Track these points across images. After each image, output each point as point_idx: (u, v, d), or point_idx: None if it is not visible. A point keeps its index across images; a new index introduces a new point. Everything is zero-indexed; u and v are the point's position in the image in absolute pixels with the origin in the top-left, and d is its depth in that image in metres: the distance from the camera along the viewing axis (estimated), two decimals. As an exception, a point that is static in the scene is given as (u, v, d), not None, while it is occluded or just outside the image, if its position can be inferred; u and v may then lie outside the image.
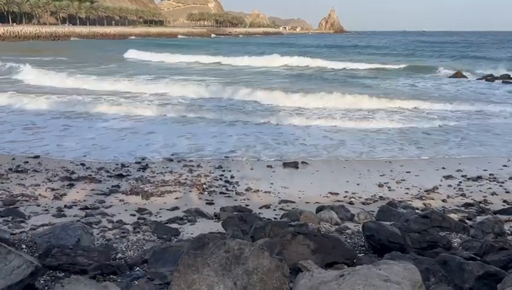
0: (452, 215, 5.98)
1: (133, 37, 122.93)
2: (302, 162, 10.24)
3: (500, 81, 27.80)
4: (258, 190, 8.37)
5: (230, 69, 36.85)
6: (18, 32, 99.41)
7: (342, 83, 26.38)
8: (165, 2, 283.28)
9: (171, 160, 10.38)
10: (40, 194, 7.63)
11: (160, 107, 17.21)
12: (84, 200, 7.35)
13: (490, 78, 28.84)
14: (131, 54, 48.86)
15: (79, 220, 5.56)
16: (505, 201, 7.72)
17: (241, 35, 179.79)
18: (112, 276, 3.46)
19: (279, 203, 7.54)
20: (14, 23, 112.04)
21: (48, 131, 13.18)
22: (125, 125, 14.25)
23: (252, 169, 9.86)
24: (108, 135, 12.92)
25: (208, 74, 31.48)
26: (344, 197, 8.04)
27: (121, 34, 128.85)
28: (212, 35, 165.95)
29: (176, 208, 6.93)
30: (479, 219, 6.11)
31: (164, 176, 9.13)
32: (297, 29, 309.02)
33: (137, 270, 3.61)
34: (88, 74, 28.18)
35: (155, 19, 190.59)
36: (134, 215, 6.43)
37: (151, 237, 4.84)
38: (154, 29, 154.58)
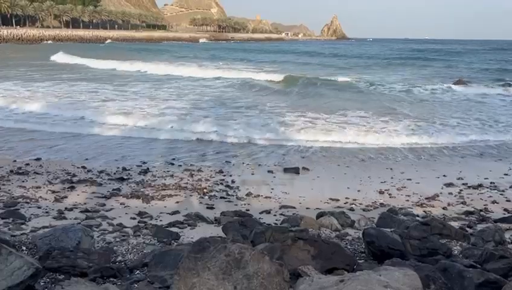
0: (452, 223, 5.98)
1: (109, 41, 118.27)
2: (303, 168, 10.25)
3: (502, 89, 27.77)
4: (258, 195, 8.37)
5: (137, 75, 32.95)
6: (21, 35, 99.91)
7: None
8: (168, 6, 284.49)
9: (172, 164, 10.39)
10: (40, 197, 7.64)
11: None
12: (85, 203, 7.36)
13: (492, 86, 28.82)
14: (59, 57, 47.93)
15: (79, 223, 5.57)
16: (505, 209, 7.70)
17: (232, 41, 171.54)
18: (112, 279, 3.47)
19: (280, 208, 7.54)
20: (18, 26, 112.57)
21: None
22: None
23: (252, 174, 9.86)
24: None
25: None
26: (345, 203, 8.03)
27: (123, 38, 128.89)
28: (201, 40, 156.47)
29: (176, 212, 6.93)
30: (479, 227, 6.11)
31: (165, 179, 9.14)
32: (300, 36, 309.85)
33: (138, 273, 3.62)
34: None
35: (158, 23, 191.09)
36: (134, 218, 6.44)
37: (151, 240, 4.84)
38: (156, 34, 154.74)
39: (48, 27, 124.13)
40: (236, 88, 26.24)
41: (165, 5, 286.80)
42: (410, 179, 9.59)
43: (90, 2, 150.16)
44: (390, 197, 8.49)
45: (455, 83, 30.18)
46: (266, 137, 13.38)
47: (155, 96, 21.73)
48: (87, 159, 10.61)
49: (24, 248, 4.17)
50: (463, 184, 9.30)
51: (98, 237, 4.91)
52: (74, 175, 9.15)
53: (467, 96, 24.47)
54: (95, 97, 20.78)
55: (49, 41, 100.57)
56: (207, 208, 7.47)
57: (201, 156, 11.22)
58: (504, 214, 7.35)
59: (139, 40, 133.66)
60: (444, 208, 7.79)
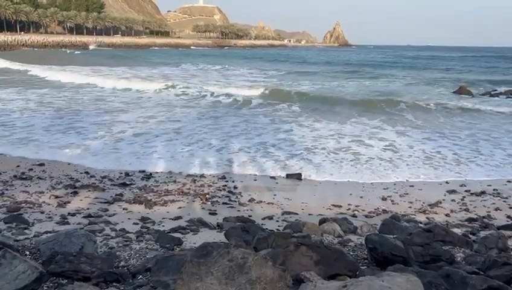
0: (455, 230, 5.96)
1: (92, 47, 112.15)
2: (306, 174, 10.24)
3: (505, 96, 27.77)
4: (261, 201, 8.37)
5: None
6: (25, 41, 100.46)
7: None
8: (171, 13, 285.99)
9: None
10: (44, 202, 7.67)
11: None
12: (88, 208, 7.37)
13: (495, 94, 28.82)
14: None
15: (82, 228, 5.58)
16: (508, 216, 7.69)
17: (226, 48, 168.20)
18: (114, 284, 3.47)
19: (282, 214, 7.54)
20: (22, 32, 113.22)
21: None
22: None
23: (255, 180, 9.87)
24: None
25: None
26: (347, 209, 8.03)
27: (127, 45, 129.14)
28: (192, 47, 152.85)
29: (178, 218, 6.94)
30: (482, 233, 6.09)
31: (167, 185, 9.15)
32: (302, 42, 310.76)
33: (140, 278, 3.62)
34: None
35: (161, 29, 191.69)
36: (137, 224, 6.45)
37: (153, 245, 4.85)
38: (160, 40, 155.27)
39: (52, 33, 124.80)
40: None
41: (168, 11, 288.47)
42: (412, 186, 9.58)
43: (94, 8, 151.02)
44: (392, 203, 8.48)
45: (457, 90, 30.25)
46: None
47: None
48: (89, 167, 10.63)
49: (27, 253, 4.18)
50: (466, 191, 9.29)
51: (100, 242, 4.91)
52: (77, 180, 9.18)
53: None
54: None
55: (25, 48, 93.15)
56: (209, 213, 7.48)
57: (203, 162, 11.22)
58: (507, 221, 7.34)
59: (141, 46, 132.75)
60: (446, 215, 7.78)
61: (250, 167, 10.78)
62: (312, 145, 13.17)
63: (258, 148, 12.74)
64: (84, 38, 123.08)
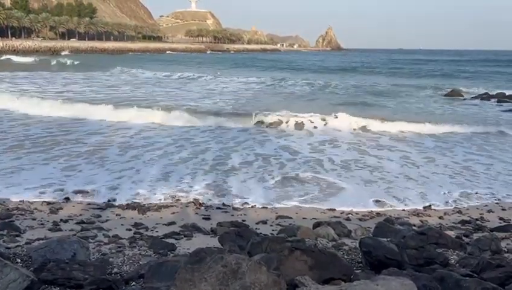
0: (449, 232, 5.99)
1: (66, 53, 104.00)
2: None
3: (495, 100, 27.97)
4: (255, 205, 8.35)
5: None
6: (17, 46, 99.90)
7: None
8: (163, 18, 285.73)
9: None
10: (36, 208, 7.59)
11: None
12: (80, 215, 7.31)
13: (485, 97, 29.04)
14: None
15: (75, 234, 5.53)
16: (501, 218, 7.73)
17: (208, 52, 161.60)
18: (107, 291, 3.44)
19: (276, 218, 7.52)
20: (13, 38, 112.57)
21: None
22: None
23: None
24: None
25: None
26: (341, 213, 8.03)
27: (119, 50, 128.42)
28: (167, 52, 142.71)
29: (172, 223, 6.90)
30: (475, 236, 6.11)
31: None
32: (295, 46, 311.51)
33: (133, 285, 3.59)
34: None
35: (154, 34, 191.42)
36: (130, 230, 6.41)
37: (147, 252, 4.82)
38: (152, 45, 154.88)
39: (44, 38, 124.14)
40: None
41: (160, 16, 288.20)
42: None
43: (85, 13, 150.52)
44: (386, 206, 8.49)
45: (449, 93, 30.46)
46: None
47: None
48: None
49: (19, 260, 4.13)
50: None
51: (93, 248, 4.87)
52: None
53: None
54: None
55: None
56: (203, 218, 7.45)
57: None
58: (500, 223, 7.38)
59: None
60: (440, 218, 7.81)
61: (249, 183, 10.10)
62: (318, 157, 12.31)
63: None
64: (76, 44, 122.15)
